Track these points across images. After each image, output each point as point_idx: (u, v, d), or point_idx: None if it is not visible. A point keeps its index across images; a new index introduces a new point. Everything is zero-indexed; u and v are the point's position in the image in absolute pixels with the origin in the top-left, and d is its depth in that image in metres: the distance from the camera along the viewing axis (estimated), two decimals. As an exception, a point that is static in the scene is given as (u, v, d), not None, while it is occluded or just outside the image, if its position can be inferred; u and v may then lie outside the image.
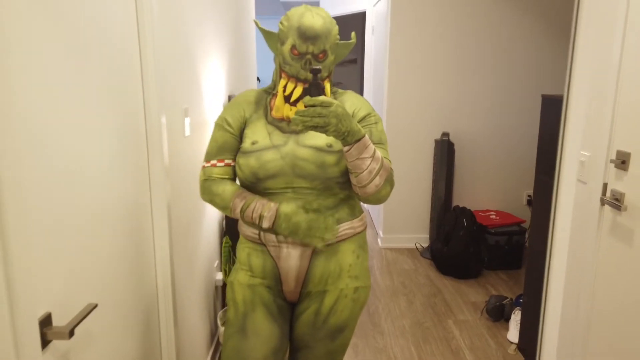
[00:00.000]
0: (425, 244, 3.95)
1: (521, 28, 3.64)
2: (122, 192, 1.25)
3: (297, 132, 1.30)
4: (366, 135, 1.20)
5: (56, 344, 0.93)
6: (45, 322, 0.89)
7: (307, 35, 1.25)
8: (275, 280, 1.39)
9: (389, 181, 1.27)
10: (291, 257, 1.34)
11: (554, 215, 1.93)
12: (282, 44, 1.30)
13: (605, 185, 1.64)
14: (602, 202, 1.64)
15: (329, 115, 1.10)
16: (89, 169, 1.05)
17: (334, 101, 1.11)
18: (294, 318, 1.43)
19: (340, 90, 1.42)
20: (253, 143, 1.31)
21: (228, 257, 2.18)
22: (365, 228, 1.43)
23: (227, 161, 1.36)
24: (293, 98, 1.29)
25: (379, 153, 1.23)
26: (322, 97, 1.11)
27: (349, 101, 1.37)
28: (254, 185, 1.32)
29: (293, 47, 1.27)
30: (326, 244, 1.32)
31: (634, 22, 1.50)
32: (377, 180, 1.23)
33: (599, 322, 1.65)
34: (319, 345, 1.40)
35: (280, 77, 1.33)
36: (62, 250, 0.94)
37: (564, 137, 1.85)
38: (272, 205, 1.27)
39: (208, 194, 1.36)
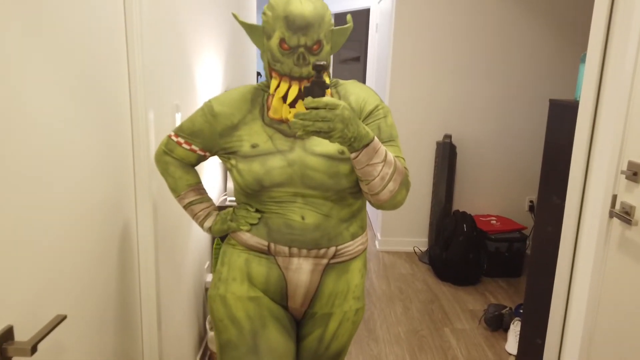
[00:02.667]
0: (424, 248, 3.87)
1: (529, 31, 3.55)
2: (103, 192, 1.17)
3: (301, 138, 1.14)
4: (375, 138, 1.04)
5: (18, 361, 0.85)
6: (6, 337, 0.81)
7: (296, 25, 1.07)
8: (281, 294, 1.23)
9: (404, 184, 1.12)
10: (302, 271, 1.19)
11: (577, 227, 1.84)
12: (269, 38, 1.12)
13: (614, 197, 1.56)
14: (611, 215, 1.56)
15: (334, 120, 0.95)
16: (63, 164, 0.97)
17: (340, 102, 0.96)
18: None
19: (341, 81, 1.26)
20: (253, 146, 1.16)
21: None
22: None
23: (193, 147, 1.24)
24: (289, 100, 1.13)
25: (390, 155, 1.08)
26: (326, 98, 0.96)
27: (354, 94, 1.21)
28: (256, 194, 1.16)
29: (282, 40, 1.09)
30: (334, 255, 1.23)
31: (651, 26, 1.42)
32: (391, 186, 1.09)
33: (601, 342, 1.58)
34: None
35: (271, 76, 1.15)
36: (29, 256, 0.86)
37: (591, 145, 1.74)
38: (209, 225, 1.30)
39: (162, 168, 1.29)
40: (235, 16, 1.18)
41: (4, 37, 0.79)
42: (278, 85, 1.14)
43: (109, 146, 1.20)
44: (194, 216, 1.30)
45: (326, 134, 0.97)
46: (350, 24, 1.18)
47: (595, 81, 1.68)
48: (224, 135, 1.20)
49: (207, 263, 2.30)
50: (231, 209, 1.28)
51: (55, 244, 0.95)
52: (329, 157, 1.14)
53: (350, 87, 1.23)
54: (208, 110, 1.21)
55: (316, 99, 0.96)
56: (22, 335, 0.86)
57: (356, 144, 1.01)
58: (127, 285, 1.35)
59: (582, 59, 1.88)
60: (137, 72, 1.33)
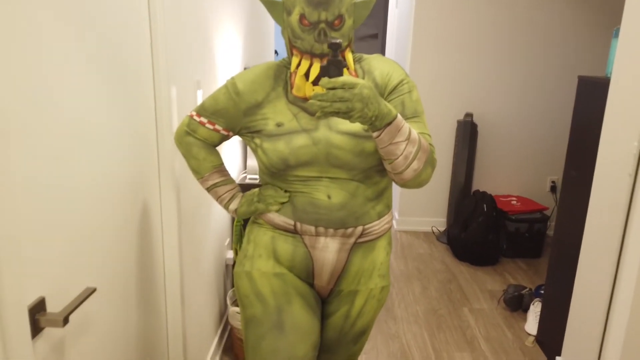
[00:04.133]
0: (442, 228, 3.85)
1: (557, 4, 3.43)
2: (128, 168, 1.17)
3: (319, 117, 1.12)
4: (398, 116, 1.01)
5: (50, 331, 0.86)
6: (38, 308, 0.83)
7: (317, 0, 1.04)
8: (307, 272, 1.22)
9: (430, 162, 1.09)
10: (328, 250, 1.18)
11: (627, 212, 1.76)
12: (289, 14, 1.09)
13: (646, 177, 1.51)
14: (642, 195, 1.51)
15: (352, 99, 0.92)
16: (89, 142, 0.97)
17: (359, 81, 0.93)
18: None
19: (365, 56, 1.20)
20: (278, 125, 1.13)
21: (239, 236, 2.12)
22: None
23: (217, 126, 1.21)
24: (311, 78, 1.11)
25: (415, 133, 1.05)
26: (343, 78, 0.93)
27: (378, 69, 1.17)
28: (282, 173, 1.15)
29: (302, 16, 1.06)
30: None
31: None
32: (415, 164, 1.06)
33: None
34: (342, 349, 1.30)
35: (292, 53, 1.13)
36: (59, 230, 0.87)
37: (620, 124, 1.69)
38: (235, 207, 1.27)
39: (185, 150, 1.25)
40: None
41: (27, 14, 0.78)
42: (299, 64, 1.11)
43: (132, 124, 1.19)
44: (218, 198, 1.28)
45: (345, 114, 0.95)
46: None
47: (629, 56, 1.61)
48: (249, 114, 1.18)
49: (227, 240, 2.32)
50: (256, 190, 1.26)
51: (82, 220, 0.96)
52: (354, 135, 1.11)
53: (375, 61, 1.20)
54: (232, 88, 1.18)
55: (332, 79, 0.93)
56: (53, 306, 0.87)
57: (378, 122, 0.98)
58: (151, 262, 1.36)
59: (615, 34, 1.80)
60: (160, 49, 1.32)
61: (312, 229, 1.17)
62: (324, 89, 0.93)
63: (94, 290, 0.92)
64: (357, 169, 1.13)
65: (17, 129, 0.75)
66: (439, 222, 3.86)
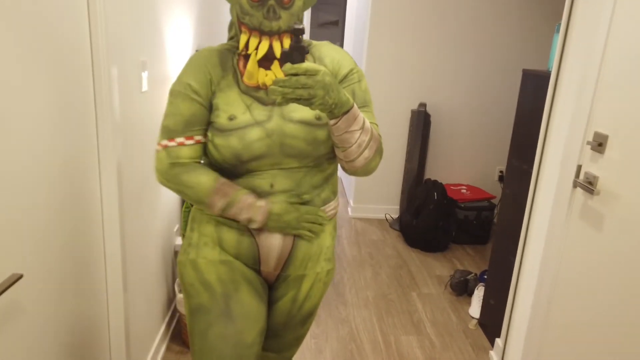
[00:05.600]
0: (395, 215, 3.92)
1: (505, 0, 3.53)
2: (62, 150, 1.12)
3: (279, 105, 1.05)
4: (355, 105, 1.03)
5: (-30, 319, 0.82)
6: (-44, 295, 0.79)
7: None
8: (253, 259, 1.20)
9: (379, 151, 1.12)
10: (273, 236, 1.17)
11: (533, 195, 1.89)
12: None
13: (579, 168, 1.59)
14: (575, 185, 1.60)
15: (314, 86, 0.92)
16: (17, 119, 0.92)
17: (321, 68, 0.94)
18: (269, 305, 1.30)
19: (315, 42, 1.20)
20: (230, 118, 1.09)
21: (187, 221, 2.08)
22: None
23: (197, 138, 1.11)
24: (259, 55, 1.07)
25: (367, 123, 1.07)
26: (306, 64, 0.92)
27: (328, 56, 1.17)
28: (234, 168, 1.12)
29: None
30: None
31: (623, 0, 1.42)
32: (367, 153, 1.09)
33: (559, 306, 1.64)
34: (289, 333, 1.31)
35: (241, 31, 1.09)
36: (-21, 215, 0.83)
37: (550, 115, 1.79)
38: (262, 206, 1.11)
39: (175, 184, 1.11)
40: None
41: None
42: (248, 41, 1.08)
43: (66, 104, 1.14)
44: (240, 221, 1.16)
45: (307, 101, 0.94)
46: None
47: (565, 51, 1.68)
48: (212, 107, 1.13)
49: (177, 226, 2.28)
50: (289, 217, 1.15)
51: (9, 201, 0.91)
52: (307, 123, 1.11)
53: (324, 48, 1.19)
54: (188, 90, 1.11)
55: (296, 65, 0.92)
56: (-26, 294, 0.83)
57: (337, 110, 0.99)
58: (89, 247, 1.32)
59: (557, 29, 1.87)
60: (99, 24, 1.26)
61: None
62: (286, 75, 0.92)
63: (21, 276, 0.88)
64: (310, 157, 1.13)
65: None
66: (392, 209, 3.93)
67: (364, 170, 1.13)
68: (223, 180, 1.12)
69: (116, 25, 1.38)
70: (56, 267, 1.13)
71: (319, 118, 1.11)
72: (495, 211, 3.64)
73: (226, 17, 3.67)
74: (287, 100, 0.94)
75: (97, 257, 1.37)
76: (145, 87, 1.65)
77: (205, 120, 1.12)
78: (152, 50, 1.73)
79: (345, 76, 1.16)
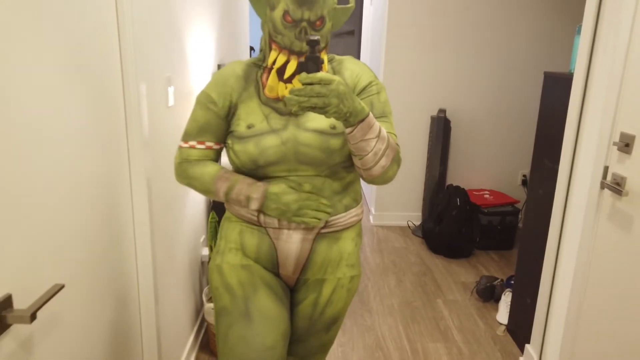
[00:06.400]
0: (418, 222, 3.91)
1: (526, 3, 3.51)
2: (96, 165, 1.16)
3: (296, 114, 1.11)
4: (370, 114, 1.07)
5: (17, 328, 0.86)
6: (5, 305, 0.82)
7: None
8: (272, 263, 1.26)
9: (396, 160, 1.15)
10: (292, 241, 1.22)
11: (565, 197, 1.87)
12: (273, 8, 1.12)
13: (606, 169, 1.57)
14: (602, 186, 1.58)
15: (329, 95, 0.96)
16: (54, 139, 0.97)
17: (335, 78, 0.98)
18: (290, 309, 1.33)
19: (337, 57, 1.26)
20: (249, 127, 1.16)
21: (214, 232, 2.12)
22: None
23: (208, 144, 1.21)
24: (286, 74, 1.14)
25: (384, 131, 1.11)
26: (320, 74, 0.97)
27: (349, 70, 1.22)
28: (252, 172, 1.19)
29: (286, 12, 1.10)
30: (321, 223, 1.21)
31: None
32: (384, 161, 1.12)
33: (591, 310, 1.62)
34: (313, 338, 1.33)
35: (271, 48, 1.16)
36: (27, 226, 0.87)
37: (581, 116, 1.76)
38: (260, 185, 1.17)
39: (184, 177, 1.23)
40: None
41: (-9, 3, 0.77)
42: (277, 57, 1.14)
43: (100, 119, 1.19)
44: (241, 205, 1.21)
45: (321, 110, 0.98)
46: (352, 4, 1.19)
47: (588, 53, 1.68)
48: (229, 119, 1.21)
49: (203, 237, 2.32)
50: (289, 198, 1.16)
51: (49, 216, 0.95)
52: (320, 132, 1.15)
53: (345, 62, 1.25)
54: (207, 99, 1.20)
55: (310, 75, 0.96)
56: (20, 303, 0.87)
57: (352, 119, 1.03)
58: (123, 259, 1.36)
59: (578, 31, 1.87)
60: (128, 44, 1.31)
61: (275, 221, 1.21)
62: (302, 84, 0.97)
63: (62, 286, 0.92)
64: (324, 166, 1.17)
65: (-21, 125, 0.75)
66: (414, 216, 3.92)
67: (382, 179, 1.16)
68: (226, 169, 1.21)
69: (143, 44, 1.43)
70: (94, 278, 1.17)
71: (333, 127, 1.16)
72: (520, 216, 3.60)
73: (246, 32, 3.74)
74: (302, 108, 0.98)
75: (130, 268, 1.41)
76: (171, 102, 1.70)
77: (219, 129, 1.21)
78: (176, 66, 1.79)
79: (364, 88, 1.21)
